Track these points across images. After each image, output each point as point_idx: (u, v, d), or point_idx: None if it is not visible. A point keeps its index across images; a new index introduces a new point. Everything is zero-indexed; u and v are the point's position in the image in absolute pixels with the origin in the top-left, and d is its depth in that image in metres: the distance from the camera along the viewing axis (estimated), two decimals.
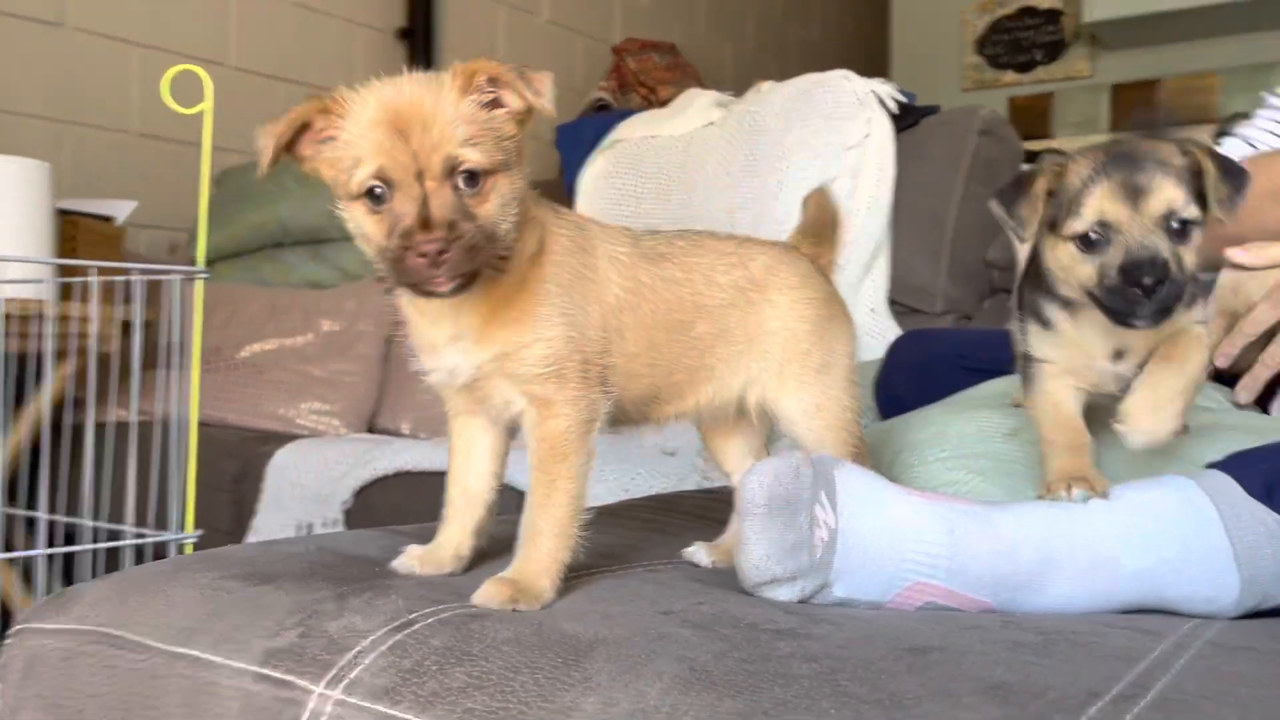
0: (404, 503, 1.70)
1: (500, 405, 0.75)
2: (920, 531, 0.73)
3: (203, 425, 2.18)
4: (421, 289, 0.67)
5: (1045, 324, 0.89)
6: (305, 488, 1.79)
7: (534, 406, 0.72)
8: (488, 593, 0.67)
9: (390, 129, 0.66)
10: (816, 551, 0.71)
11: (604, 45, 3.81)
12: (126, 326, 1.64)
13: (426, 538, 0.86)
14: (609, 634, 0.61)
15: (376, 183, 0.67)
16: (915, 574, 0.72)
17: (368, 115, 0.67)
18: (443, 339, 0.73)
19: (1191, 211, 0.79)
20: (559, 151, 2.69)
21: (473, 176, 0.67)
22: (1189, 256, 0.80)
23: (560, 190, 2.66)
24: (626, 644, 0.59)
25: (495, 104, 0.70)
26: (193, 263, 1.36)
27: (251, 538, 1.84)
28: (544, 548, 0.70)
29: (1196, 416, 1.08)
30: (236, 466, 1.94)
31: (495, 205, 0.68)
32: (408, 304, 0.74)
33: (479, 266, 0.67)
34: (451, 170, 0.67)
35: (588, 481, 0.72)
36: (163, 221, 2.66)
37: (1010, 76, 4.38)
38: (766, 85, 2.39)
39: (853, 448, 0.83)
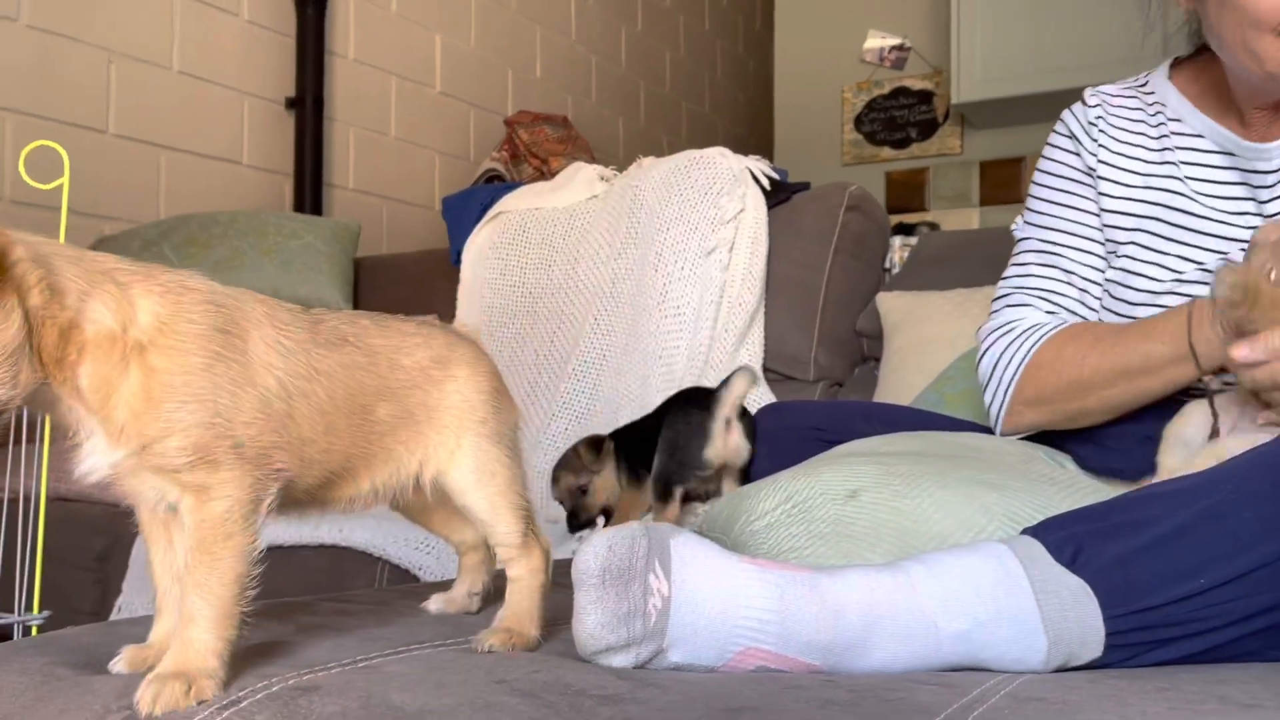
0: (270, 577, 1.67)
1: (154, 498, 0.72)
2: (751, 598, 0.76)
3: (67, 501, 2.12)
4: None
5: None
6: None
7: (189, 494, 0.70)
8: (150, 694, 0.64)
9: None
10: (650, 619, 0.74)
11: (497, 117, 3.87)
12: None
13: (272, 613, 0.86)
14: (437, 704, 0.62)
15: None
16: (746, 639, 0.75)
17: None
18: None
19: None
20: (445, 221, 2.72)
21: None
22: None
23: (446, 260, 2.69)
24: (453, 713, 0.61)
25: None
26: None
27: (115, 618, 1.79)
28: (207, 629, 0.69)
29: (1054, 474, 1.14)
30: (102, 543, 1.89)
31: None
32: None
33: None
34: None
35: (250, 562, 0.72)
36: None
37: (887, 152, 4.60)
38: (648, 160, 2.47)
39: (523, 511, 0.87)
